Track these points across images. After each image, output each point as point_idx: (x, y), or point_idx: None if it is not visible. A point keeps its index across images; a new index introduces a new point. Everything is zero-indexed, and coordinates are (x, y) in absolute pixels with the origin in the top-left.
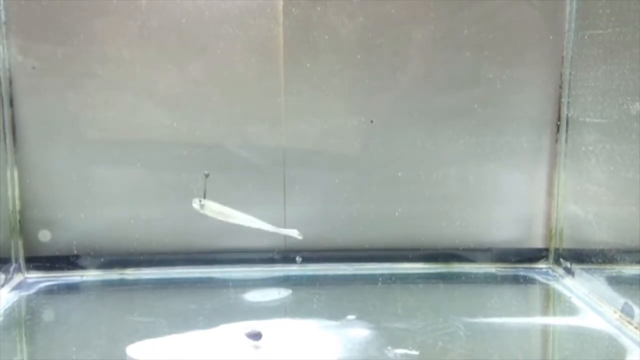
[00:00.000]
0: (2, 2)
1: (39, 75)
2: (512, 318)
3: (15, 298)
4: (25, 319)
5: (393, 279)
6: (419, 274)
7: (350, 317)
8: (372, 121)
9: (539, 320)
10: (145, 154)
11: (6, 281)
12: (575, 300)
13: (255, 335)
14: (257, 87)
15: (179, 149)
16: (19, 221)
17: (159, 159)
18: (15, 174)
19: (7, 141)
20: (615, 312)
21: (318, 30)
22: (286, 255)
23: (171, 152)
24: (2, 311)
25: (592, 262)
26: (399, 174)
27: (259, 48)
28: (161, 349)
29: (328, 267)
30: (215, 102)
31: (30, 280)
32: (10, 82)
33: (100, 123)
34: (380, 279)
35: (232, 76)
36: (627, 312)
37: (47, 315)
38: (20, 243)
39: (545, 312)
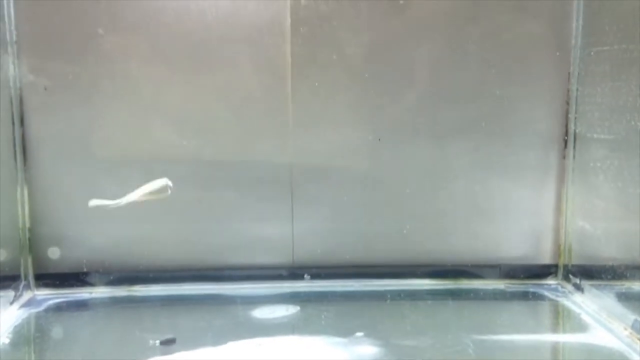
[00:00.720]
0: (12, 21)
1: (49, 93)
2: (522, 335)
3: (25, 315)
4: (35, 337)
5: (402, 295)
6: (427, 290)
7: (359, 334)
8: (379, 139)
9: (548, 337)
10: (154, 171)
11: (15, 298)
12: (585, 317)
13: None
14: (264, 103)
15: (188, 165)
16: (29, 238)
17: (168, 175)
18: (26, 191)
19: (18, 159)
20: (625, 328)
21: (325, 48)
22: (294, 272)
23: (180, 169)
24: (12, 329)
25: (601, 278)
26: (407, 190)
27: (267, 65)
28: None
29: (336, 283)
30: (223, 119)
31: (39, 298)
32: (21, 101)
33: (109, 141)
34: (388, 295)
35: (241, 93)
36: (637, 329)
37: (56, 333)
38: (29, 260)
39: (554, 329)
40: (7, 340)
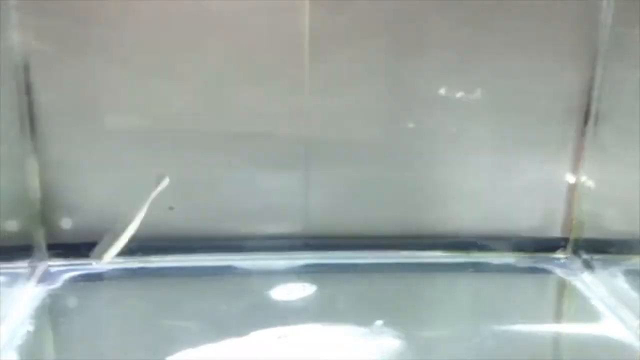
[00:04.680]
0: None
1: (56, 60)
2: (525, 325)
3: (43, 294)
4: (58, 321)
5: (415, 268)
6: (439, 263)
7: (378, 322)
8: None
9: (551, 327)
10: (167, 141)
11: (31, 272)
12: (593, 297)
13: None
14: (281, 78)
15: (201, 136)
16: (40, 209)
17: (181, 146)
18: (35, 162)
19: (26, 129)
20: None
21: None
22: (307, 242)
23: (193, 140)
24: (33, 312)
25: (610, 253)
26: (421, 161)
27: (285, 39)
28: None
29: (349, 255)
30: (240, 89)
31: (53, 270)
32: (27, 69)
33: (120, 110)
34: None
35: (257, 65)
36: None
37: (78, 315)
38: (42, 231)
39: (559, 312)
40: (31, 328)
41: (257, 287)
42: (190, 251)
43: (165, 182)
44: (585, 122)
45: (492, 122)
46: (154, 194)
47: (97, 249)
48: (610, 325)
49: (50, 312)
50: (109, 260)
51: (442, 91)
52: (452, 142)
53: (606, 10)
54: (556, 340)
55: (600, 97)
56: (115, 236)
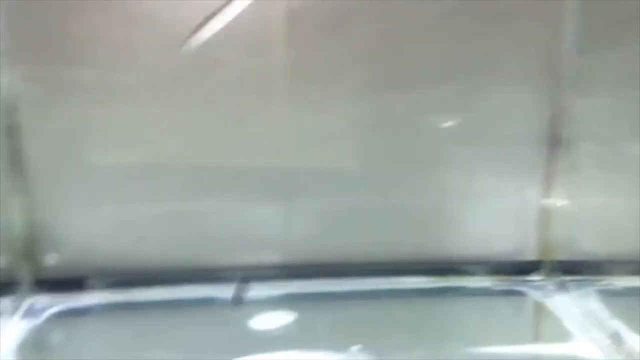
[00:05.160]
0: (4, 31)
1: (44, 102)
2: (502, 347)
3: (28, 327)
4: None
5: (394, 294)
6: (417, 289)
7: (354, 347)
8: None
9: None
10: (152, 178)
11: (16, 307)
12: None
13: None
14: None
15: (184, 170)
16: (26, 246)
17: (166, 182)
18: (22, 199)
19: (14, 168)
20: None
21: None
22: (288, 272)
23: (175, 173)
24: (16, 347)
25: (583, 274)
26: (398, 185)
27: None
28: None
29: (328, 282)
30: (220, 126)
31: (38, 306)
32: (14, 111)
33: (106, 148)
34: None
35: (239, 101)
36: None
37: (61, 348)
38: (27, 267)
39: (535, 334)
40: None
41: (237, 318)
42: (173, 283)
43: None
44: (556, 146)
45: (466, 148)
46: None
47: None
48: (582, 345)
49: (33, 346)
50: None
51: (417, 118)
52: (428, 169)
53: (572, 36)
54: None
55: (570, 121)
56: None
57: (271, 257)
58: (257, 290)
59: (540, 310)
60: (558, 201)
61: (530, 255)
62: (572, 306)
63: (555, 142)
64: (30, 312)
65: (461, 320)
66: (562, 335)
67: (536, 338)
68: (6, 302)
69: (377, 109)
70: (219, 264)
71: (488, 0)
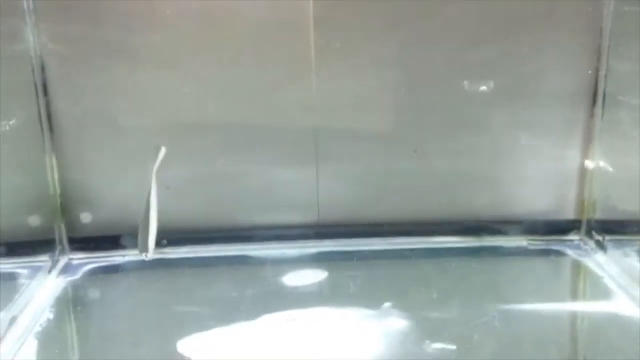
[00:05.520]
0: None
1: (71, 61)
2: (542, 304)
3: (63, 284)
4: (77, 310)
5: (427, 254)
6: (451, 248)
7: (387, 304)
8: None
9: (567, 305)
10: (180, 136)
11: (52, 264)
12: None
13: None
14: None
15: (212, 129)
16: (60, 204)
17: (194, 140)
18: (54, 158)
19: (44, 127)
20: None
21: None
22: (319, 230)
23: (206, 133)
24: (53, 301)
25: (622, 233)
26: (430, 146)
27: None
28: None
29: (361, 242)
30: (249, 83)
31: (74, 263)
32: (43, 70)
33: (133, 106)
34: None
35: (265, 57)
36: None
37: (96, 303)
38: (62, 225)
39: (574, 294)
40: (51, 316)
41: (270, 275)
42: (205, 242)
43: (163, 151)
44: (594, 104)
45: (501, 108)
46: (156, 166)
47: (140, 245)
48: (622, 303)
49: (70, 301)
50: (153, 249)
51: (451, 79)
52: (461, 129)
53: None
54: (569, 319)
55: (607, 79)
56: (146, 225)
57: (303, 217)
58: (290, 249)
59: (578, 268)
60: (597, 159)
61: (568, 214)
62: (612, 264)
63: (594, 101)
64: (66, 270)
65: (496, 279)
66: (603, 292)
67: (575, 296)
68: (43, 259)
69: (411, 70)
70: (251, 223)
71: None
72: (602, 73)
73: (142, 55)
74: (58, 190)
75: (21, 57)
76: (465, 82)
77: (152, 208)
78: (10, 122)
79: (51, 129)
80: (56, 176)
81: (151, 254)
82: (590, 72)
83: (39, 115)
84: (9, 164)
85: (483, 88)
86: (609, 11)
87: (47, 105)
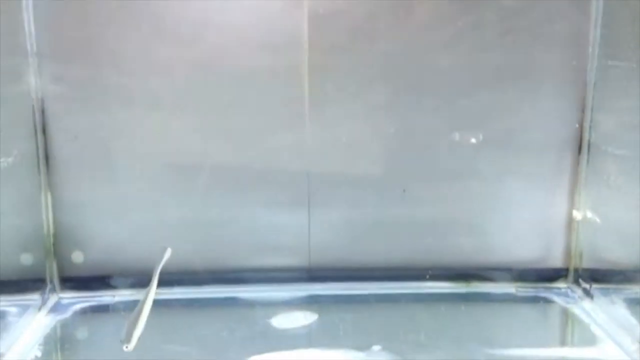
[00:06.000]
0: (33, 33)
1: (70, 102)
2: (530, 349)
3: (53, 323)
4: (65, 347)
5: (417, 299)
6: (441, 294)
7: (376, 347)
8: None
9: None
10: (174, 178)
11: (43, 303)
12: (593, 327)
13: None
14: (282, 111)
15: (208, 169)
16: (53, 243)
17: (187, 182)
18: (49, 197)
19: (41, 166)
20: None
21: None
22: (310, 274)
23: (199, 176)
24: (42, 339)
25: (610, 282)
26: (420, 193)
27: (285, 74)
28: None
29: (351, 286)
30: (244, 128)
31: (64, 302)
32: (43, 111)
33: (131, 148)
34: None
35: (259, 102)
36: None
37: (85, 341)
38: (54, 264)
39: (562, 340)
40: (39, 353)
41: (260, 317)
42: (196, 284)
43: (169, 252)
44: (579, 153)
45: (490, 158)
46: (159, 267)
47: (124, 334)
48: (609, 349)
49: (58, 339)
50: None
51: (440, 127)
52: (450, 176)
53: (594, 43)
54: None
55: (591, 130)
56: (136, 317)
57: (294, 260)
58: (280, 292)
59: (566, 315)
60: (584, 208)
61: (556, 262)
62: (599, 312)
63: (581, 150)
64: (56, 308)
65: (485, 325)
66: (590, 339)
67: (563, 342)
68: (34, 297)
69: (402, 118)
70: (242, 266)
71: (508, 16)
72: (586, 124)
73: (139, 99)
74: (52, 229)
75: (23, 97)
76: (456, 134)
77: (147, 305)
78: (8, 160)
79: (48, 168)
80: (51, 215)
81: (132, 346)
82: (577, 125)
83: (37, 154)
84: (4, 201)
85: (472, 141)
86: (593, 66)
87: (45, 144)
